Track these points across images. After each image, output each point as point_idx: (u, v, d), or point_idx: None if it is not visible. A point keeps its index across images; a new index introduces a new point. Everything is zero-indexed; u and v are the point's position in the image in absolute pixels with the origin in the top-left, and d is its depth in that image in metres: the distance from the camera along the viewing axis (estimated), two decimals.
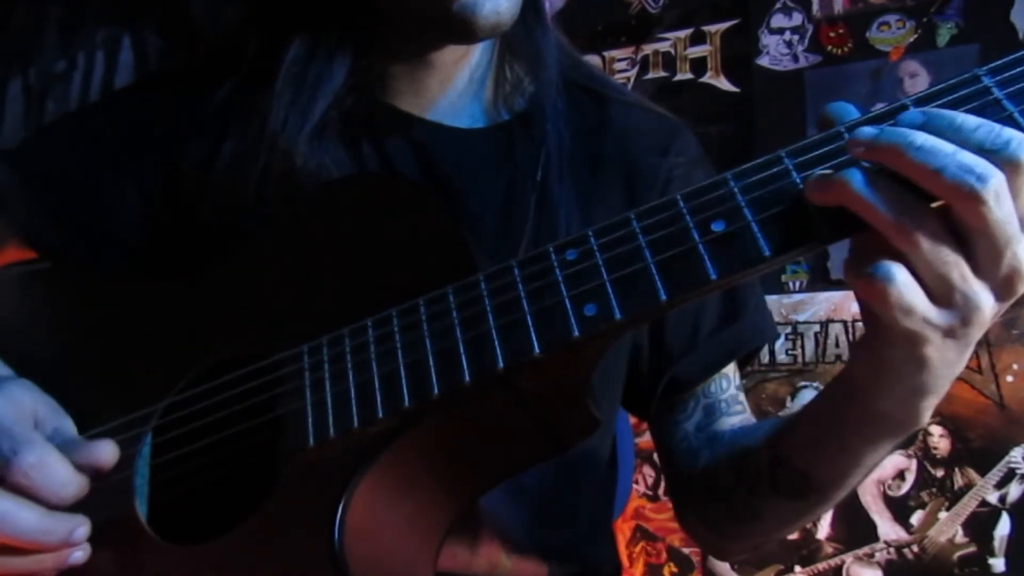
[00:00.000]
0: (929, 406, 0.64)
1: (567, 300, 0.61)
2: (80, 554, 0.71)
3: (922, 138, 0.52)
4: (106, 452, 0.72)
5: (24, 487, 0.67)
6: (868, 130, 0.54)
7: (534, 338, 0.61)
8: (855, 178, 0.53)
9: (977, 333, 0.57)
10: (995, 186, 0.50)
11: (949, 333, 0.55)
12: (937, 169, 0.51)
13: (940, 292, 0.54)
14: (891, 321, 0.55)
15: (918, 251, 0.52)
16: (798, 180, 0.57)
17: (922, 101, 0.56)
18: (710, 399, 0.96)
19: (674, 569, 2.23)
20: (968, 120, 0.52)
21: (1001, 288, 0.54)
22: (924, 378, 0.60)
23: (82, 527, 0.70)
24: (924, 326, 0.55)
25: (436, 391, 0.63)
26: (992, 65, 0.55)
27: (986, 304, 0.54)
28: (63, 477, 0.69)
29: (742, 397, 0.97)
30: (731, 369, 0.98)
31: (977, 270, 0.54)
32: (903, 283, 0.53)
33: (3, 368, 0.82)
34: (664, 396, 0.97)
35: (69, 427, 0.75)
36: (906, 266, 0.53)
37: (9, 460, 0.67)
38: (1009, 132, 0.51)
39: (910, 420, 0.65)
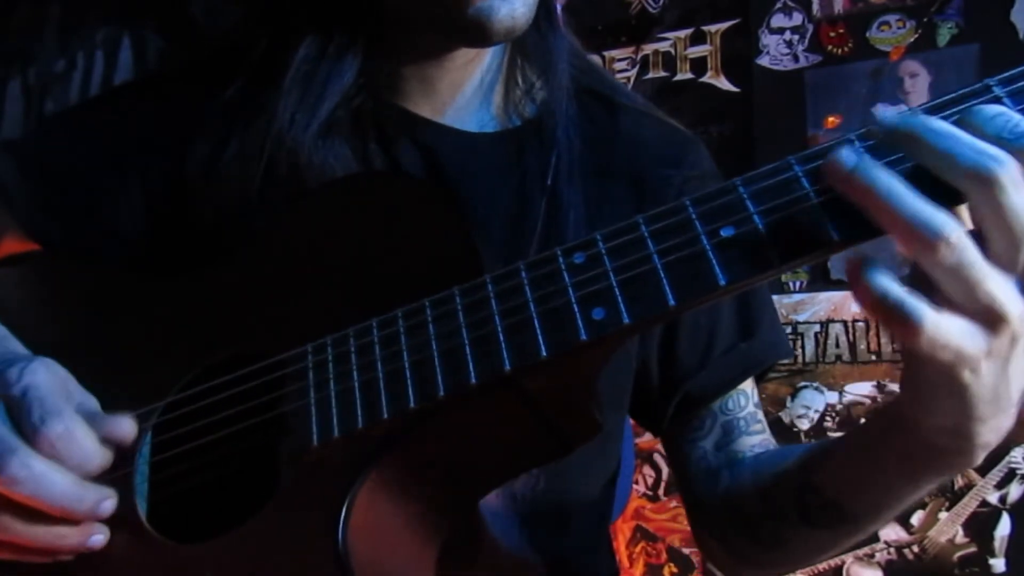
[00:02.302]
0: (987, 437, 0.59)
1: (575, 303, 0.60)
2: (100, 537, 0.70)
3: (939, 123, 0.51)
4: (125, 427, 0.72)
5: (51, 456, 0.67)
6: (889, 117, 0.52)
7: (541, 341, 0.61)
8: (873, 176, 0.51)
9: (1012, 349, 0.53)
10: (1012, 170, 0.49)
11: (987, 353, 0.52)
12: (953, 153, 0.49)
13: (965, 305, 0.51)
14: (925, 355, 0.52)
15: (940, 260, 0.49)
16: (808, 186, 0.56)
17: (931, 111, 0.55)
18: (728, 416, 0.94)
19: (674, 569, 2.23)
20: (984, 109, 0.51)
21: None
22: (968, 405, 0.55)
23: (110, 499, 0.70)
24: (959, 354, 0.51)
25: (442, 392, 0.63)
26: (1004, 75, 0.54)
27: (1015, 311, 0.51)
28: (89, 449, 0.69)
29: (761, 416, 0.96)
30: (748, 386, 0.96)
31: (1000, 270, 0.50)
32: (932, 324, 0.50)
33: (24, 349, 0.81)
34: (678, 413, 0.96)
35: (93, 402, 0.75)
36: (926, 281, 0.51)
37: (37, 428, 0.66)
38: None
39: (962, 454, 0.61)
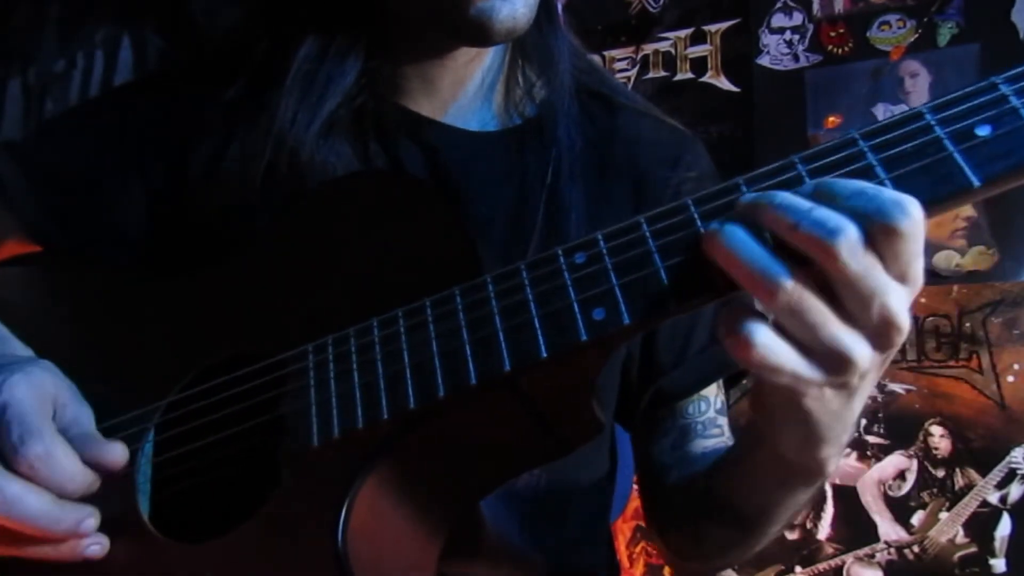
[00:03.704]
0: (831, 455, 0.64)
1: (575, 303, 0.60)
2: (97, 547, 0.70)
3: (781, 196, 0.54)
4: (115, 453, 0.71)
5: (29, 478, 0.67)
6: (750, 194, 0.56)
7: (541, 341, 0.61)
8: (724, 232, 0.55)
9: (861, 383, 0.57)
10: (847, 239, 0.51)
11: (827, 385, 0.56)
12: (793, 223, 0.52)
13: (809, 344, 0.54)
14: (764, 377, 0.56)
15: (778, 304, 0.53)
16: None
17: (938, 108, 0.55)
18: (687, 420, 0.96)
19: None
20: (848, 185, 0.53)
21: (876, 338, 0.54)
22: (812, 428, 0.60)
23: (90, 518, 0.69)
24: (796, 380, 0.55)
25: (442, 392, 0.63)
26: (1010, 73, 0.54)
27: (860, 355, 0.54)
28: (69, 471, 0.68)
29: (722, 421, 0.97)
30: (713, 391, 0.97)
31: (849, 320, 0.53)
32: (763, 343, 0.53)
33: (24, 349, 0.81)
34: (648, 409, 0.97)
35: (87, 417, 0.74)
36: (775, 322, 0.54)
37: (16, 449, 0.66)
38: (883, 195, 0.52)
39: (813, 469, 0.66)
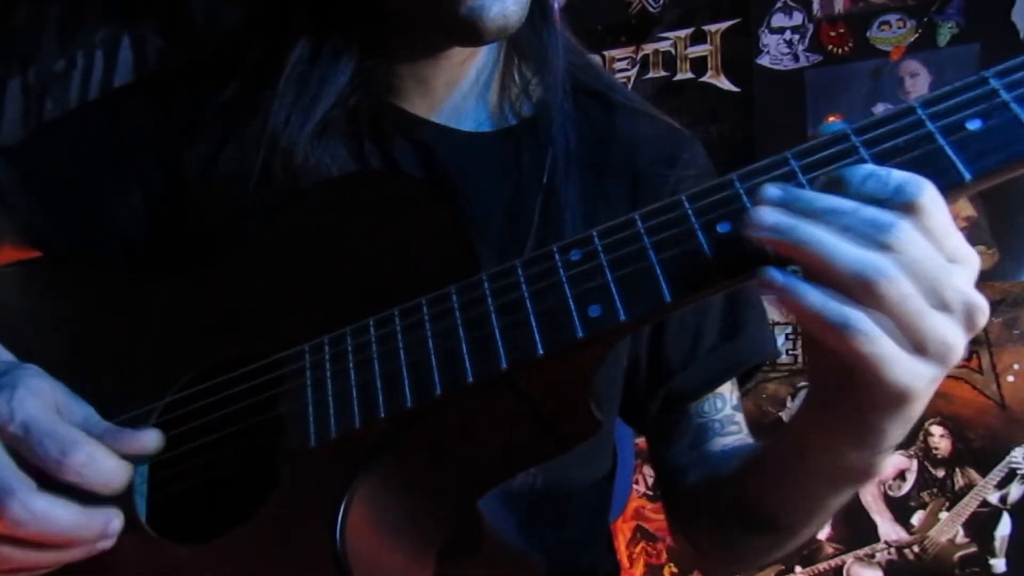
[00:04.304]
0: (887, 450, 0.63)
1: (571, 300, 0.60)
2: (107, 542, 0.71)
3: (823, 200, 0.53)
4: (151, 439, 0.71)
5: (76, 484, 0.67)
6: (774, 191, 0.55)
7: (538, 339, 0.61)
8: (804, 234, 0.53)
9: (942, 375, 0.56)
10: (901, 230, 0.51)
11: (935, 383, 0.55)
12: (845, 226, 0.52)
13: (919, 341, 0.52)
14: (881, 380, 0.53)
15: (888, 296, 0.51)
16: (804, 181, 0.56)
17: (929, 103, 0.55)
18: (704, 419, 0.96)
19: (674, 569, 2.23)
20: (857, 171, 0.53)
21: (966, 323, 0.53)
22: (897, 428, 0.59)
23: (117, 519, 0.70)
24: (911, 381, 0.53)
25: (439, 391, 0.63)
26: (1000, 67, 0.54)
27: (960, 343, 0.53)
28: (114, 468, 0.69)
29: (739, 417, 0.97)
30: (728, 388, 0.97)
31: (943, 310, 0.52)
32: (881, 341, 0.52)
33: (4, 353, 0.80)
34: (661, 411, 0.97)
35: (94, 413, 0.73)
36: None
37: (60, 462, 0.66)
38: (893, 176, 0.52)
39: (867, 469, 0.65)
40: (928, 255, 0.51)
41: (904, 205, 0.51)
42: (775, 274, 0.53)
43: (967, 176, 0.53)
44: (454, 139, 0.92)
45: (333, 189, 0.80)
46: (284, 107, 0.86)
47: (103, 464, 0.68)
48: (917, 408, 0.57)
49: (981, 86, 0.54)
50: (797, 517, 0.79)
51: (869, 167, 0.53)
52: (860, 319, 0.51)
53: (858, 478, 0.67)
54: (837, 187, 0.54)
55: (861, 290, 0.51)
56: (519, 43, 0.95)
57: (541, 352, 0.60)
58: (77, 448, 0.67)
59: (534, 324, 0.61)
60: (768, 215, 0.54)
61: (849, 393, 0.57)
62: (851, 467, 0.64)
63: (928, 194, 0.51)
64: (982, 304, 0.53)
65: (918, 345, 0.53)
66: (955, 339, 0.53)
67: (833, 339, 0.52)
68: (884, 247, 0.51)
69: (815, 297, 0.52)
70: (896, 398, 0.55)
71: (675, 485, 0.96)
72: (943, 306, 0.52)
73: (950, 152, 0.53)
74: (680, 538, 0.99)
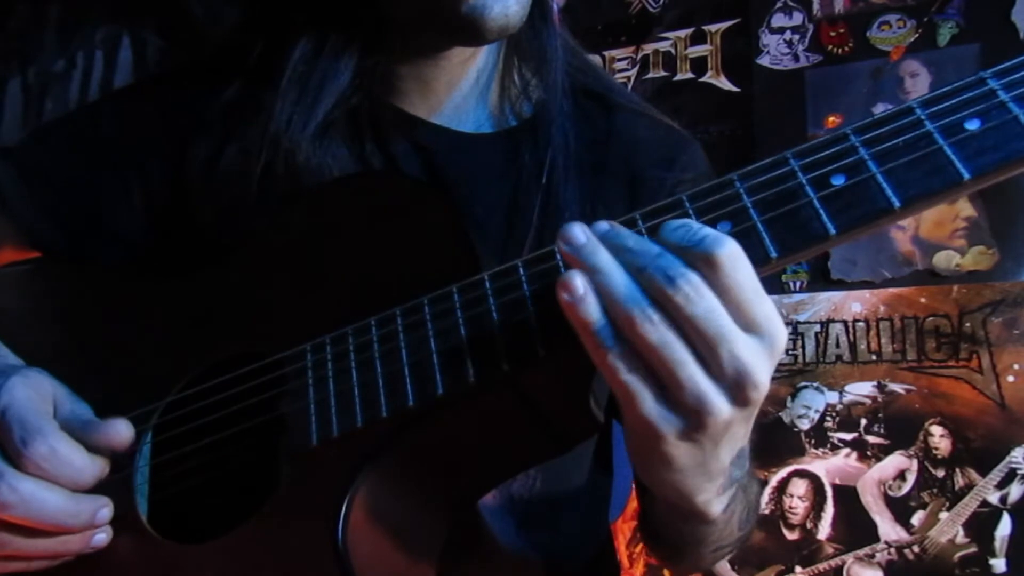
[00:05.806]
0: (707, 500, 0.63)
1: None
2: (103, 536, 0.71)
3: (633, 239, 0.55)
4: (119, 430, 0.71)
5: (39, 476, 0.67)
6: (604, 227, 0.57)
7: (539, 338, 0.61)
8: (599, 263, 0.55)
9: (726, 434, 0.56)
10: (688, 280, 0.52)
11: (684, 436, 0.55)
12: (641, 266, 0.54)
13: (668, 383, 0.54)
14: (623, 408, 0.56)
15: (646, 335, 0.53)
16: (805, 181, 0.57)
17: (928, 103, 0.56)
18: None
19: None
20: (672, 222, 0.55)
21: (733, 391, 0.53)
22: (675, 475, 0.59)
23: (106, 508, 0.70)
24: (654, 423, 0.54)
25: (440, 391, 0.63)
26: (998, 68, 0.55)
27: (719, 408, 0.53)
28: (77, 465, 0.69)
29: None
30: None
31: (707, 368, 0.53)
32: (628, 377, 0.54)
33: (15, 359, 0.81)
34: None
35: (85, 409, 0.74)
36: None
37: (20, 451, 0.67)
38: (703, 230, 0.53)
39: (696, 512, 0.65)
40: (713, 314, 0.52)
41: (701, 258, 0.52)
42: (576, 280, 0.55)
43: (965, 175, 0.53)
44: (454, 140, 0.92)
45: (334, 189, 0.80)
46: (286, 107, 0.86)
47: (66, 459, 0.68)
48: (679, 459, 0.57)
49: (979, 86, 0.55)
50: (674, 538, 0.80)
51: (684, 220, 0.55)
52: (614, 347, 0.54)
53: (694, 518, 0.67)
54: (655, 233, 0.55)
55: (625, 324, 0.53)
56: (519, 44, 0.95)
57: (542, 352, 0.61)
58: (39, 440, 0.67)
59: (535, 324, 0.61)
60: (580, 234, 0.56)
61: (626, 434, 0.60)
62: (689, 510, 0.65)
63: (725, 251, 0.52)
64: (758, 382, 0.53)
65: (670, 394, 0.54)
66: (712, 404, 0.53)
67: (596, 359, 0.55)
68: (663, 293, 0.52)
69: (591, 314, 0.54)
70: (644, 436, 0.56)
71: (642, 490, 0.96)
72: (713, 367, 0.53)
73: (949, 151, 0.54)
74: (643, 540, 1.01)
